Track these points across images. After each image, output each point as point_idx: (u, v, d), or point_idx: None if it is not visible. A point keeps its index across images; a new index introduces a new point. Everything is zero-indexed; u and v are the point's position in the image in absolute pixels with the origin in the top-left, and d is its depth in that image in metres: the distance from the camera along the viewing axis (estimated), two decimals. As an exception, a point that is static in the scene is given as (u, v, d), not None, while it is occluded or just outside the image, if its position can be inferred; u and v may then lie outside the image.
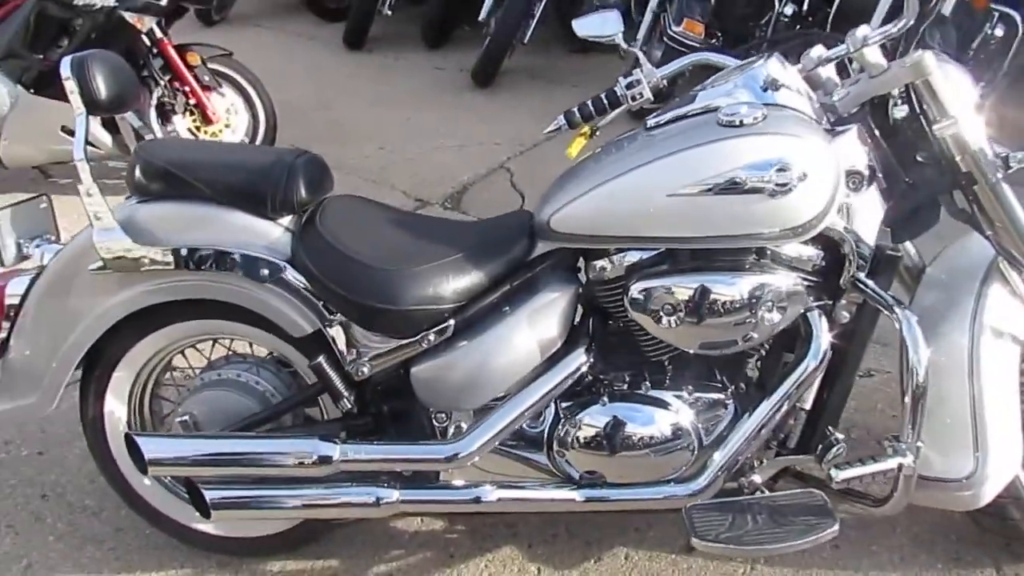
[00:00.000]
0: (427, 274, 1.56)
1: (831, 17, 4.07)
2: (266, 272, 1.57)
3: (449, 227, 1.71)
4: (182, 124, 3.58)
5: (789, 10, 4.65)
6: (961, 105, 1.54)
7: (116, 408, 1.77)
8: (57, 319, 1.67)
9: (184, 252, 1.57)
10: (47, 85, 3.32)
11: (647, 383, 1.65)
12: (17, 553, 1.95)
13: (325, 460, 1.54)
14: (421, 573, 1.86)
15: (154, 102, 3.53)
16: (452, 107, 4.60)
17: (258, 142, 3.78)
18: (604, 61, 4.68)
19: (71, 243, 1.66)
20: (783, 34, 4.16)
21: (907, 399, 1.51)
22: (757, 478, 1.64)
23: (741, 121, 1.47)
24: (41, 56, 3.30)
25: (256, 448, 1.57)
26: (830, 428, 1.62)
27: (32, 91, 3.32)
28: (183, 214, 1.61)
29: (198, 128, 3.60)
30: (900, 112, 1.62)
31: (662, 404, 1.63)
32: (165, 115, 3.57)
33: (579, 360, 1.61)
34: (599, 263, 1.60)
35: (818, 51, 1.66)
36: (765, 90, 1.57)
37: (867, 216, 1.58)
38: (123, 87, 1.63)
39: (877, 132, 1.61)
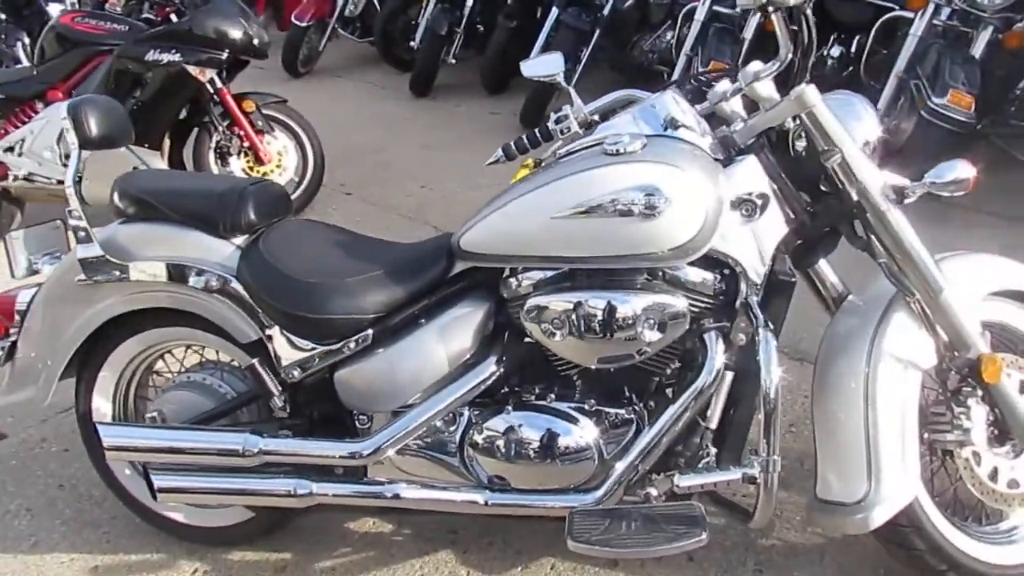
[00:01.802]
0: (347, 287, 1.74)
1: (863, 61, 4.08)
2: (214, 284, 1.79)
3: (380, 247, 1.87)
4: (236, 165, 3.95)
5: (836, 52, 4.67)
6: (846, 137, 1.60)
7: (102, 405, 2.02)
8: (52, 324, 1.94)
9: (148, 266, 1.82)
10: (122, 130, 3.75)
11: (553, 395, 1.75)
12: (29, 531, 2.22)
13: (250, 452, 1.73)
14: (361, 569, 2.01)
15: (213, 145, 3.92)
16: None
17: (306, 181, 4.11)
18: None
19: (65, 259, 1.94)
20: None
21: (761, 415, 1.55)
22: (653, 491, 1.71)
23: (621, 150, 1.58)
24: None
25: (195, 439, 1.78)
26: (707, 442, 1.67)
27: (109, 136, 3.76)
28: (151, 234, 1.86)
29: (251, 168, 3.96)
30: (801, 144, 1.69)
31: (565, 416, 1.73)
32: (223, 157, 3.95)
33: (489, 370, 1.74)
34: (511, 281, 1.73)
35: (723, 86, 1.76)
36: (664, 125, 1.68)
37: (760, 242, 1.65)
38: (112, 128, 1.91)
39: (775, 162, 1.68)
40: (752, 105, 1.76)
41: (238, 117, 3.86)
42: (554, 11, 4.89)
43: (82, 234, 1.84)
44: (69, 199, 1.85)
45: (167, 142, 3.98)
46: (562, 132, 1.90)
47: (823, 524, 1.71)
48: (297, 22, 6.29)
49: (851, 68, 4.55)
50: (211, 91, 3.82)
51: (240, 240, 1.85)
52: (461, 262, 1.76)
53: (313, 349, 1.76)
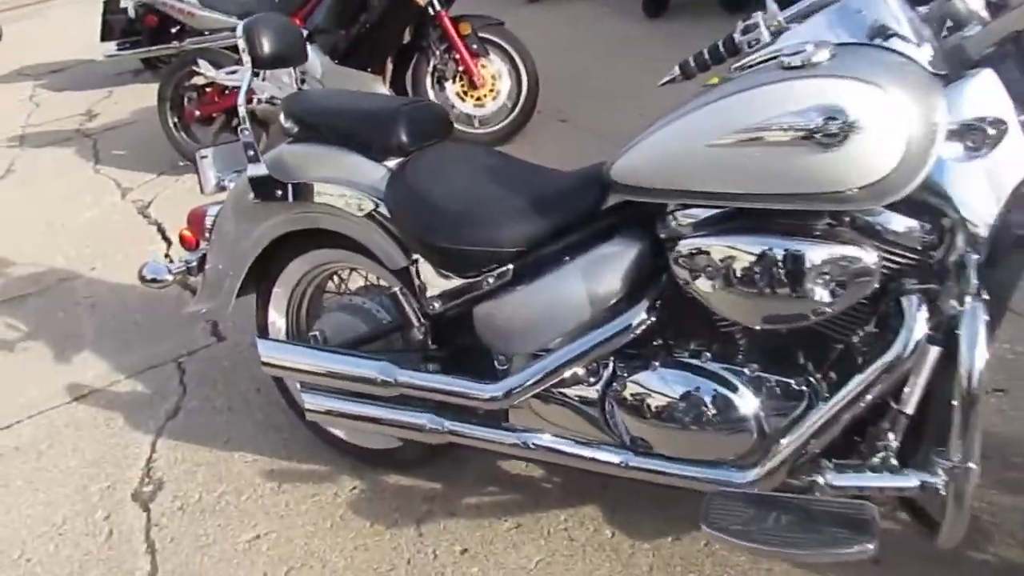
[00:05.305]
0: (487, 217, 1.61)
1: None
2: (361, 208, 1.75)
3: (531, 174, 1.71)
4: (452, 89, 3.94)
5: None
6: None
7: (277, 319, 2.10)
8: (232, 240, 2.03)
9: (302, 186, 1.81)
10: (348, 56, 3.90)
11: (709, 355, 1.52)
12: (225, 429, 2.42)
13: (387, 381, 1.69)
14: (503, 511, 1.93)
15: (430, 69, 3.94)
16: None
17: (519, 107, 4.01)
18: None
19: (240, 178, 2.00)
20: None
21: (955, 405, 1.20)
22: (821, 480, 1.42)
23: (801, 63, 1.27)
24: (344, 32, 3.87)
25: (338, 362, 1.77)
26: (899, 430, 1.34)
27: (336, 62, 3.91)
28: (311, 154, 1.85)
29: (465, 92, 3.94)
30: (1067, 53, 1.27)
31: (721, 380, 1.49)
32: (440, 81, 3.96)
33: (638, 319, 1.54)
34: (669, 219, 1.50)
35: (958, -21, 1.36)
36: (869, 32, 1.33)
37: (991, 184, 1.27)
38: (284, 47, 1.89)
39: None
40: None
41: (455, 41, 3.84)
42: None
43: (251, 153, 1.87)
44: (241, 119, 1.89)
45: (389, 67, 4.06)
46: (750, 44, 1.59)
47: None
48: (537, -57, 6.15)
49: None
50: (431, 14, 3.82)
51: (392, 163, 1.78)
52: (614, 195, 1.55)
53: (453, 281, 1.67)
